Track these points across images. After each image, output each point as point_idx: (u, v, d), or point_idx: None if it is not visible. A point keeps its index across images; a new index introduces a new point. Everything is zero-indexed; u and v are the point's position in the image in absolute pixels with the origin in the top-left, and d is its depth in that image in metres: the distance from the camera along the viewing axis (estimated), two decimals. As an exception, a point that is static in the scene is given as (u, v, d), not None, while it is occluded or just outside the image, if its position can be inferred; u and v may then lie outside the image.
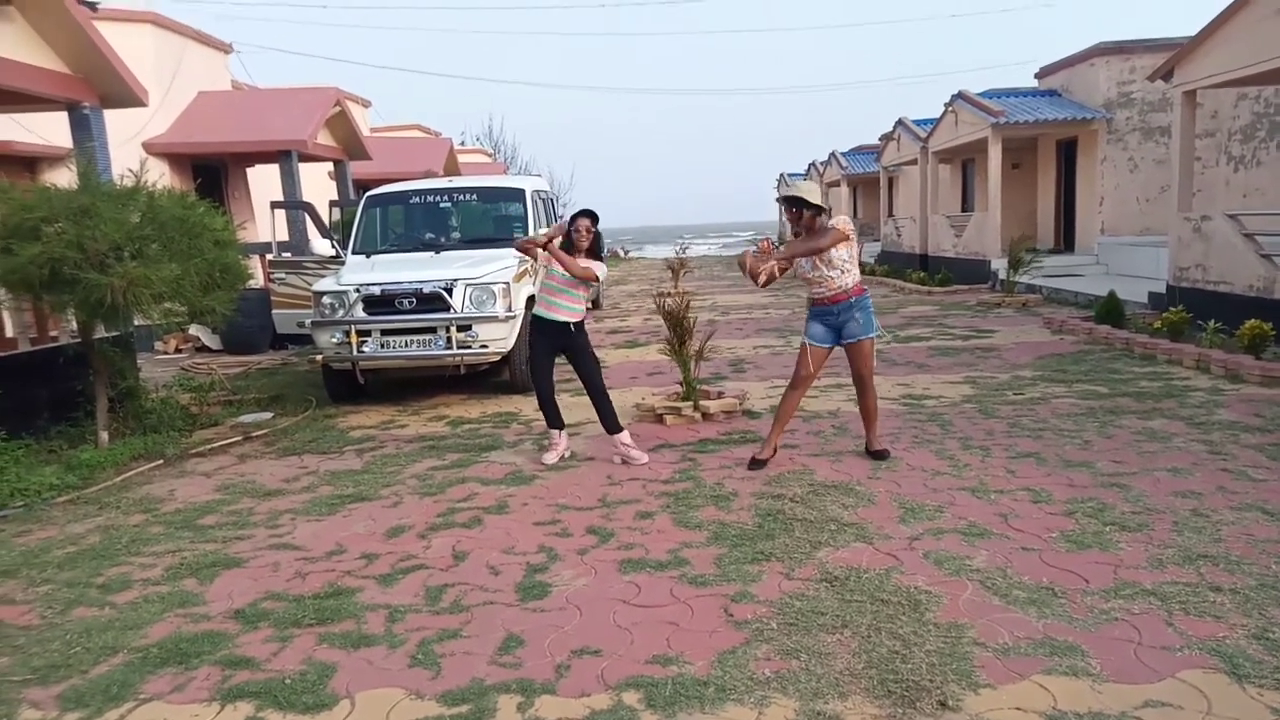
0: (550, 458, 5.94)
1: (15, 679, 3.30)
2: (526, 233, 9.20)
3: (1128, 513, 4.42)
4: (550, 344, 5.93)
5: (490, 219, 10.07)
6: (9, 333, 7.23)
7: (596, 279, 5.91)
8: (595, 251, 5.91)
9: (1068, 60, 17.94)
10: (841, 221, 5.24)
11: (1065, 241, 18.25)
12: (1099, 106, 16.60)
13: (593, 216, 5.86)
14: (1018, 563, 3.88)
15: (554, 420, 6.03)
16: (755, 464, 5.48)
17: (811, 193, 5.28)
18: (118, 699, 3.12)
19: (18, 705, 3.12)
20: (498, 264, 8.12)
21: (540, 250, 5.83)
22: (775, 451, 5.59)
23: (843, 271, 5.28)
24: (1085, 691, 2.85)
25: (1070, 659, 3.05)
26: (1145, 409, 6.55)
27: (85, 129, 8.02)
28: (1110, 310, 10.15)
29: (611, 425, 5.90)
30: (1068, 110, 16.90)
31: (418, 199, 9.70)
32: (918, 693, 2.88)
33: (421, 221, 9.74)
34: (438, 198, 9.71)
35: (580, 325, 5.95)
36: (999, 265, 15.56)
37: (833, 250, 5.24)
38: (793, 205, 5.30)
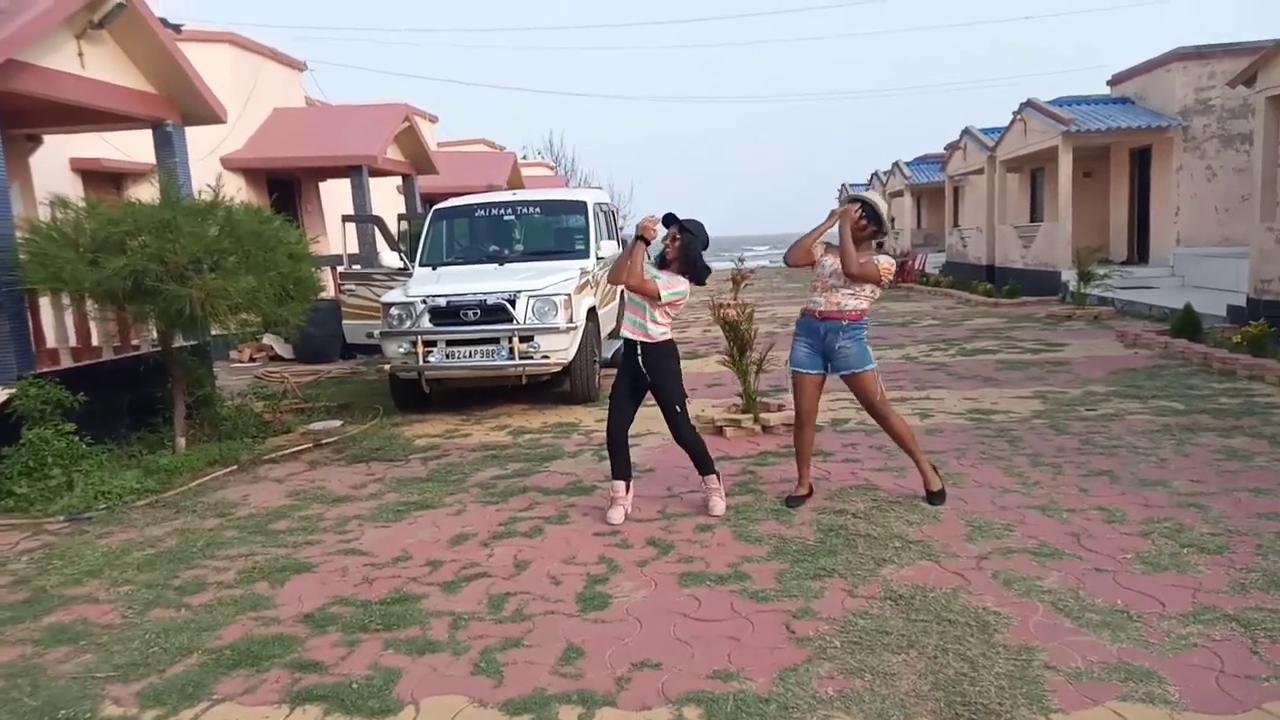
0: (616, 515, 4.95)
1: (99, 675, 3.44)
2: (587, 245, 9.27)
3: (1207, 534, 4.26)
4: (627, 369, 5.01)
5: (552, 231, 10.21)
6: (94, 341, 7.53)
7: (656, 296, 4.82)
8: (690, 262, 4.95)
9: (1143, 66, 17.45)
10: (885, 263, 4.90)
11: (1139, 253, 17.71)
12: (1175, 114, 16.10)
13: (680, 224, 4.97)
14: (1091, 584, 3.77)
15: (619, 469, 5.06)
16: (794, 500, 5.07)
17: (881, 206, 5.00)
18: (193, 699, 3.22)
19: (101, 701, 3.24)
20: (560, 276, 8.22)
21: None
22: (811, 488, 5.16)
23: (854, 295, 4.89)
24: (1163, 720, 2.76)
25: (1147, 685, 2.95)
26: (1225, 426, 6.31)
27: (168, 145, 8.34)
28: (1187, 323, 9.80)
29: (703, 467, 5.10)
30: (1142, 118, 16.44)
31: (482, 212, 9.88)
32: (986, 716, 2.81)
33: (486, 234, 9.91)
34: (501, 211, 9.88)
35: (657, 348, 4.91)
36: (1069, 277, 15.17)
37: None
38: (861, 206, 4.94)
